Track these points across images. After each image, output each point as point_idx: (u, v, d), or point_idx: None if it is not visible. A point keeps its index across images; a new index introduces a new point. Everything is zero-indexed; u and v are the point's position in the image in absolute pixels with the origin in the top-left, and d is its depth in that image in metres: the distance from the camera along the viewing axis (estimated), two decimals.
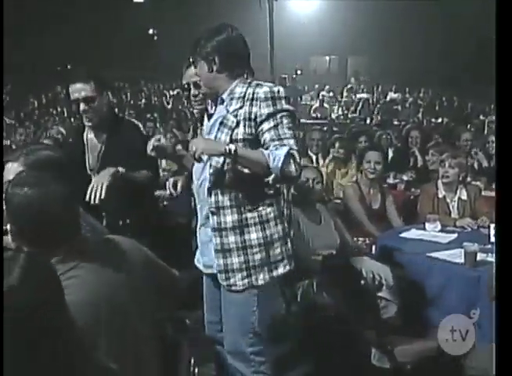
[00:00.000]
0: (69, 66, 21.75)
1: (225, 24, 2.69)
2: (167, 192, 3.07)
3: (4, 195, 1.78)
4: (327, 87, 20.75)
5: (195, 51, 2.66)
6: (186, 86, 3.16)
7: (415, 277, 3.75)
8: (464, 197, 4.66)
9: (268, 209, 2.61)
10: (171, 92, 20.10)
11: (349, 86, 21.17)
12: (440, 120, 14.67)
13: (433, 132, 9.32)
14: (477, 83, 17.39)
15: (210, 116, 2.73)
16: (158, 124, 10.07)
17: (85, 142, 3.35)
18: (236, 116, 2.55)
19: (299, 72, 23.48)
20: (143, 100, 18.70)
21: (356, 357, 3.54)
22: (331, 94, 20.31)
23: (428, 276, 3.71)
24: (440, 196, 4.68)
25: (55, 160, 2.19)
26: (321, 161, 6.65)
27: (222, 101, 2.63)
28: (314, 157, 6.66)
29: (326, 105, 17.49)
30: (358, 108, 16.99)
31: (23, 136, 7.71)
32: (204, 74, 2.64)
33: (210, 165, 2.59)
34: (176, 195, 3.00)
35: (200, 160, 2.47)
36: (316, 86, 21.72)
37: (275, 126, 2.50)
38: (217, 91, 2.65)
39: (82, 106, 3.22)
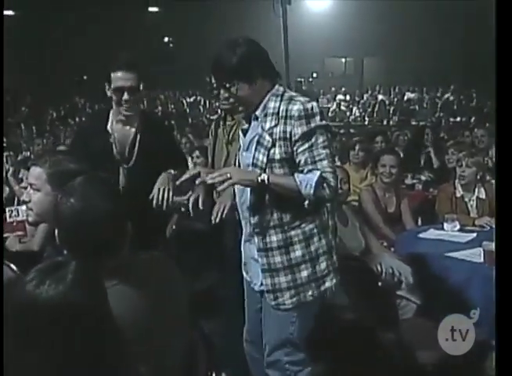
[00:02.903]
0: (85, 77, 21.96)
1: (240, 38, 2.59)
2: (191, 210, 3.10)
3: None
4: (343, 89, 20.73)
5: (218, 73, 2.59)
6: (216, 85, 3.14)
7: (434, 278, 3.72)
8: (483, 195, 4.62)
9: (311, 225, 2.57)
10: (188, 99, 20.25)
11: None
12: (458, 119, 14.58)
13: (452, 131, 9.27)
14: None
15: (245, 132, 2.67)
16: (175, 132, 10.12)
17: (110, 132, 3.26)
18: (271, 135, 2.50)
19: (315, 75, 23.48)
20: (160, 107, 18.83)
21: (377, 358, 3.52)
22: (348, 97, 20.30)
23: (448, 276, 3.67)
24: (458, 195, 4.64)
25: (80, 173, 2.21)
26: (338, 164, 6.63)
27: (256, 117, 2.58)
28: None
29: (343, 107, 17.46)
30: (375, 109, 16.92)
31: (40, 146, 7.80)
32: (239, 91, 2.55)
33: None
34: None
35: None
36: (333, 89, 21.72)
37: (310, 147, 2.46)
38: (250, 106, 2.59)
39: (126, 95, 3.12)
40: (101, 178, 2.20)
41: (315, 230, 2.59)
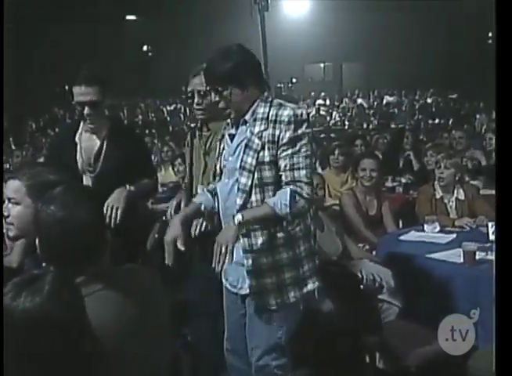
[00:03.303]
0: (67, 88, 21.84)
1: (234, 45, 2.66)
2: (168, 216, 3.12)
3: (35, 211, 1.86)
4: (323, 94, 20.83)
5: (212, 77, 2.62)
6: (190, 95, 3.19)
7: (416, 279, 3.75)
8: (462, 196, 4.67)
9: (297, 228, 2.63)
10: (168, 108, 20.18)
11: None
12: (437, 121, 14.71)
13: (430, 133, 9.36)
14: (474, 82, 17.45)
15: (232, 137, 2.71)
16: (156, 140, 10.10)
17: (77, 142, 3.31)
18: (260, 138, 2.56)
19: (294, 80, 23.57)
20: (140, 116, 18.75)
21: (361, 361, 3.54)
22: (327, 102, 20.40)
23: (429, 277, 3.70)
24: (437, 197, 4.69)
25: (59, 183, 2.20)
26: (319, 169, 6.65)
27: (245, 122, 2.63)
28: None
29: (322, 112, 17.53)
30: (354, 112, 17.02)
31: (20, 158, 7.75)
32: (232, 97, 2.59)
33: (239, 189, 2.60)
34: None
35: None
36: (312, 94, 21.82)
37: (292, 154, 2.53)
38: (240, 112, 2.64)
39: (87, 110, 3.18)
40: (80, 186, 2.19)
41: (300, 233, 2.64)
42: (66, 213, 1.77)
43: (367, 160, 4.92)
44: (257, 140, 2.57)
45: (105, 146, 3.29)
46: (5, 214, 2.26)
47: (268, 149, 2.55)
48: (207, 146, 3.28)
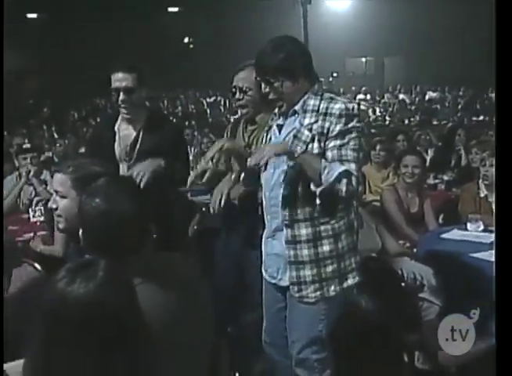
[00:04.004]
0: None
1: (286, 37, 2.70)
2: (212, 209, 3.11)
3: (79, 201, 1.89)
4: (364, 89, 20.63)
5: (263, 68, 2.63)
6: (234, 90, 3.21)
7: (458, 279, 3.68)
8: None
9: (341, 222, 2.64)
10: (208, 99, 20.29)
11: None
12: (481, 117, 14.41)
13: (475, 130, 9.17)
14: None
15: (280, 127, 2.71)
16: (196, 132, 10.16)
17: (116, 131, 3.38)
18: (310, 130, 2.56)
19: (335, 74, 23.41)
20: (180, 108, 18.89)
21: (399, 359, 3.49)
22: (368, 97, 20.20)
23: (471, 276, 3.64)
24: (482, 195, 4.60)
25: (103, 174, 2.22)
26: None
27: (294, 112, 2.64)
28: None
29: (363, 107, 17.36)
30: (396, 107, 16.80)
31: (62, 147, 7.88)
32: (283, 88, 2.60)
33: (284, 177, 2.60)
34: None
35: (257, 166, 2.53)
36: (353, 88, 21.64)
37: (341, 146, 2.52)
38: (290, 103, 2.64)
39: (122, 96, 3.24)
40: (122, 178, 2.20)
41: (344, 227, 2.65)
42: (110, 205, 1.79)
43: (410, 156, 4.86)
44: (306, 132, 2.56)
45: (141, 136, 3.34)
46: (54, 206, 2.30)
47: (318, 141, 2.54)
48: (251, 139, 3.29)
